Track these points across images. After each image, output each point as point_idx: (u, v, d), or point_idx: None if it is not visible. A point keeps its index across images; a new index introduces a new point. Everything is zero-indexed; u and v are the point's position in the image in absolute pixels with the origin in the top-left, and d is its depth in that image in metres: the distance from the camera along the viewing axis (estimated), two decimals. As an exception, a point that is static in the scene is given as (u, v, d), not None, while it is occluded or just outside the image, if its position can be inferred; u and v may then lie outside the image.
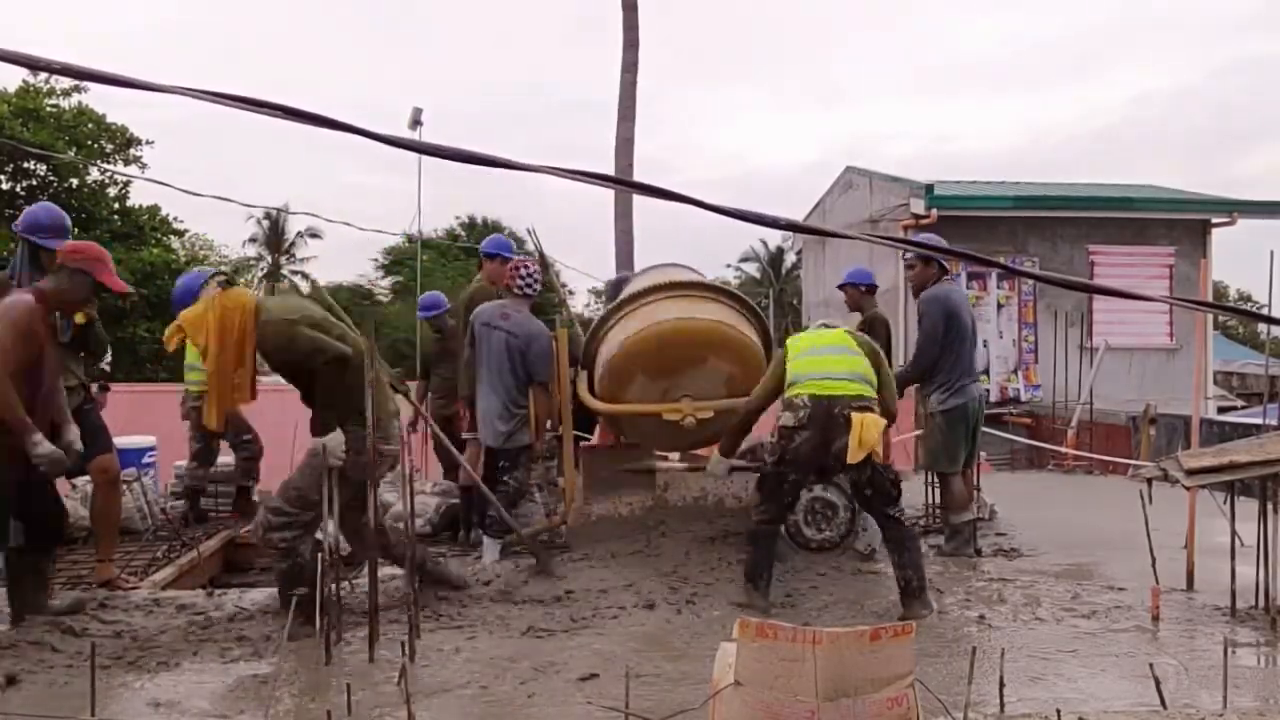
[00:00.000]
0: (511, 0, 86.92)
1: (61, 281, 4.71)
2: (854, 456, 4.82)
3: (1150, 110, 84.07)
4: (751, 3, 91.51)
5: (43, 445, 4.49)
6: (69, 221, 5.60)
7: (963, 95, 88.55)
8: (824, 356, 5.20)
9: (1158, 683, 3.50)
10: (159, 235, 23.40)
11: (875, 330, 7.10)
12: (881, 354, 5.38)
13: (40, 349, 4.57)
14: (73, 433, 4.80)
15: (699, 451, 6.68)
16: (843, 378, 5.04)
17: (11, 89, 21.95)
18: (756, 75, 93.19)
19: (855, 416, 4.86)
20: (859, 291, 7.99)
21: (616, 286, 7.81)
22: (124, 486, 6.72)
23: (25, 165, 22.29)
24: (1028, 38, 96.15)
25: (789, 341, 5.47)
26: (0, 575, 5.07)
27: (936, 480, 7.61)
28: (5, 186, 23.10)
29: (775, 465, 5.12)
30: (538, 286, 6.46)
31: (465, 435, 6.76)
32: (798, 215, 19.04)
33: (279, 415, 9.93)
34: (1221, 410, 16.34)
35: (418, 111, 23.70)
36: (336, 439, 4.50)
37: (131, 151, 23.75)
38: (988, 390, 15.14)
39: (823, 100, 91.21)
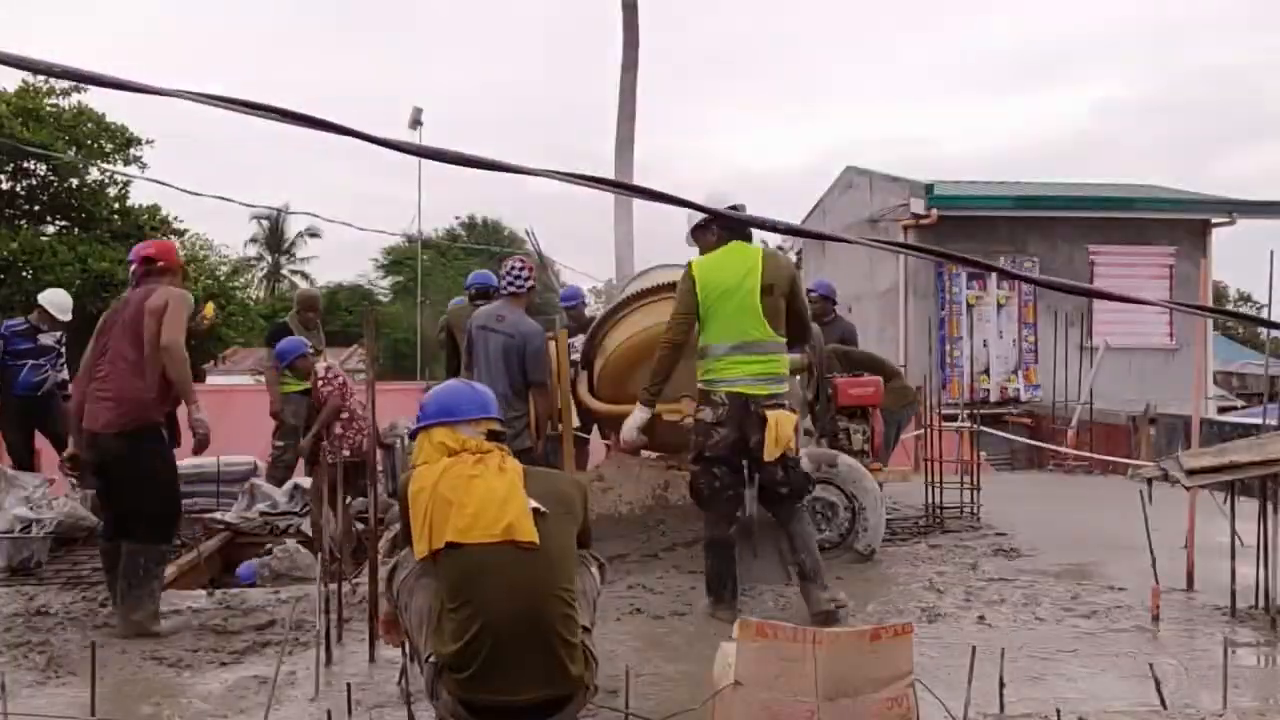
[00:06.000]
0: (512, 3, 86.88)
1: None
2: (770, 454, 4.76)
3: (1118, 116, 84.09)
4: (741, 10, 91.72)
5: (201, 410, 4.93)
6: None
7: (939, 100, 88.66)
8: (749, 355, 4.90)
9: (1158, 683, 3.51)
10: (159, 235, 23.38)
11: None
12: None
13: None
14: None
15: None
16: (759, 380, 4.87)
17: (11, 89, 21.95)
18: (746, 80, 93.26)
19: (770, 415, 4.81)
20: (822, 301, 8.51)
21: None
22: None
23: (25, 165, 22.26)
24: (996, 44, 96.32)
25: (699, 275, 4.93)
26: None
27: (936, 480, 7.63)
28: (5, 186, 23.09)
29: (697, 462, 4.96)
30: (528, 284, 6.39)
31: None
32: (796, 215, 19.04)
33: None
34: (1221, 410, 16.32)
35: (418, 112, 23.74)
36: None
37: (131, 151, 23.73)
38: (986, 390, 15.16)
39: (808, 105, 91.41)
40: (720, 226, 4.91)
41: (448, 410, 3.44)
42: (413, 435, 3.51)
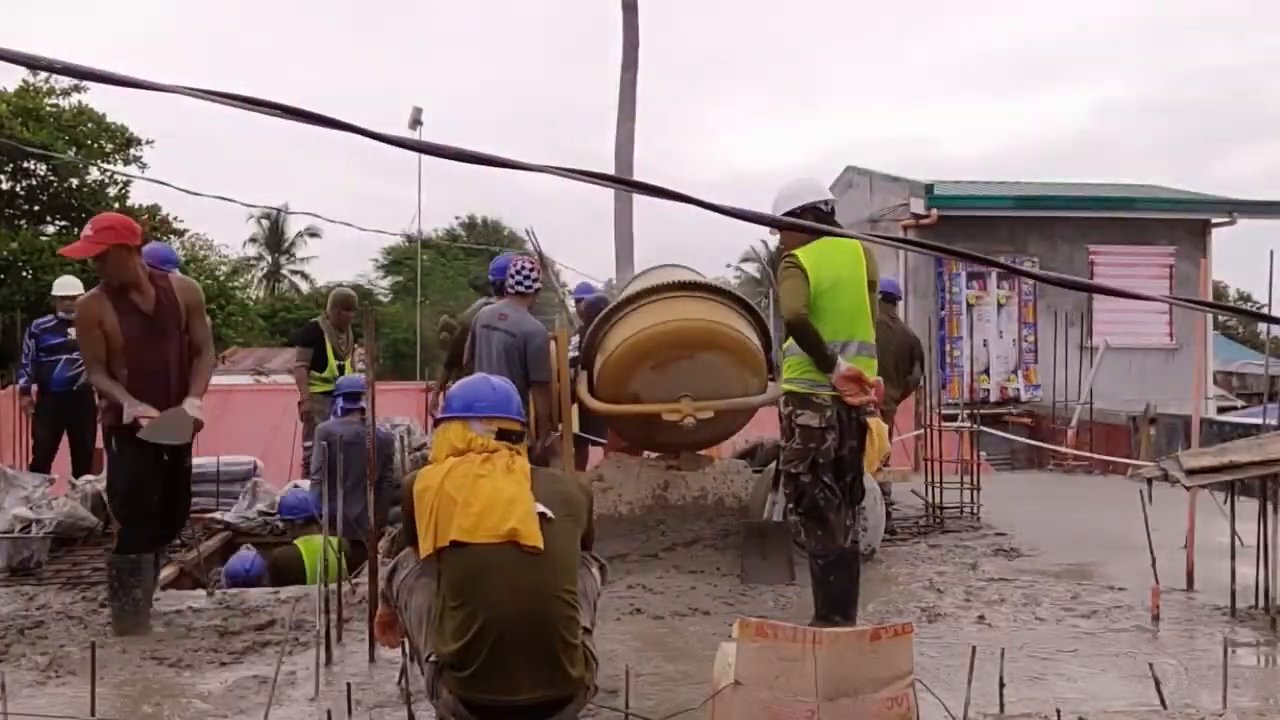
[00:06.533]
0: (511, 4, 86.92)
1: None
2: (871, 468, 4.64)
3: (1118, 116, 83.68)
4: (741, 10, 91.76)
5: (132, 404, 4.62)
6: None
7: (939, 100, 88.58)
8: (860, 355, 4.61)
9: (1158, 683, 3.51)
10: (159, 235, 23.38)
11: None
12: None
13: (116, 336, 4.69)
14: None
15: (702, 452, 6.68)
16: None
17: (11, 88, 21.96)
18: (746, 80, 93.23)
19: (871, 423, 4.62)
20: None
21: (594, 307, 7.55)
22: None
23: (25, 165, 22.27)
24: (996, 44, 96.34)
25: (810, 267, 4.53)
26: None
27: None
28: (5, 186, 23.09)
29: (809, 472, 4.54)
30: (533, 284, 6.40)
31: None
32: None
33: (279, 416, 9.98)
34: (1221, 410, 16.32)
35: (418, 111, 23.76)
36: None
37: (131, 151, 23.74)
38: (986, 390, 15.14)
39: (808, 105, 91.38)
40: (817, 219, 4.62)
41: (466, 405, 3.43)
42: (436, 424, 3.55)
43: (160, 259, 5.70)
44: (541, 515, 3.19)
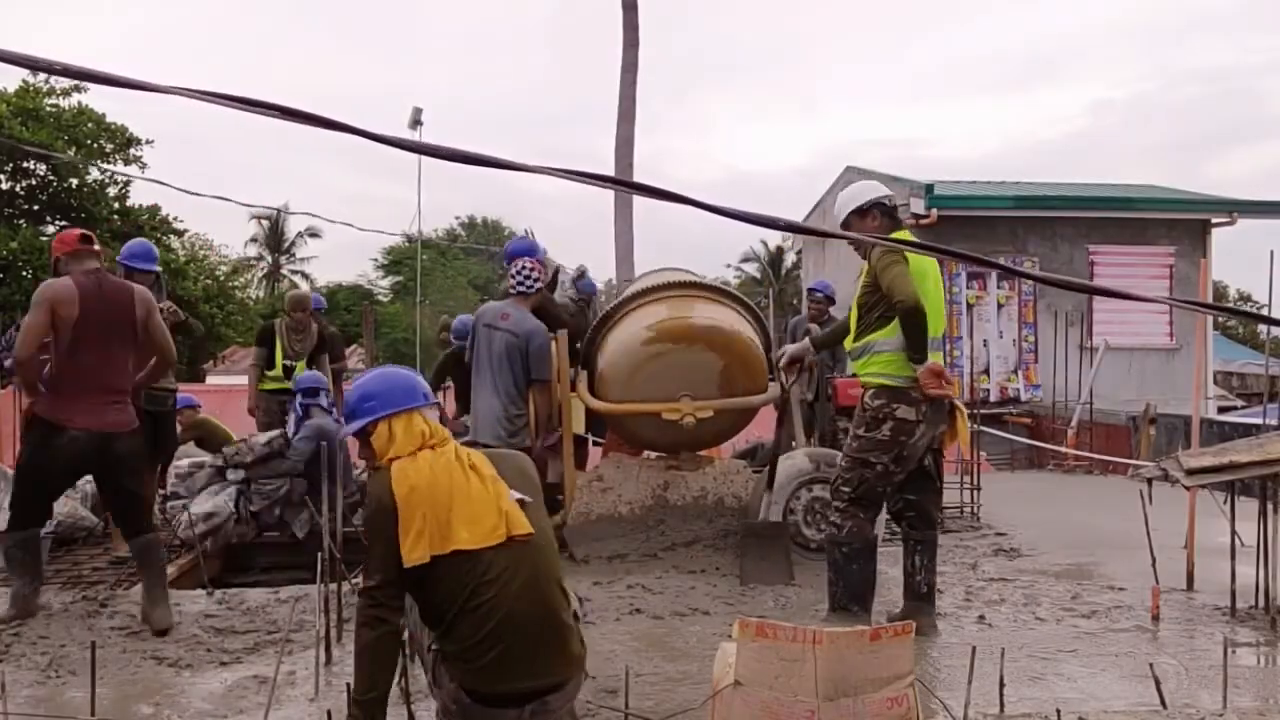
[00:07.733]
0: (512, 4, 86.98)
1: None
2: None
3: (1116, 116, 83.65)
4: (741, 10, 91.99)
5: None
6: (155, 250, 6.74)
7: (939, 100, 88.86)
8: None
9: (1158, 683, 3.51)
10: (159, 235, 23.39)
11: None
12: None
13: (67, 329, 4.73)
14: None
15: (702, 453, 6.68)
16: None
17: (11, 89, 21.96)
18: (746, 80, 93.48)
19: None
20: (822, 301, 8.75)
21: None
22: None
23: (25, 165, 22.28)
24: (995, 44, 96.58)
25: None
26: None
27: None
28: (5, 186, 23.10)
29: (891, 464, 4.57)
30: (537, 285, 6.40)
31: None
32: (796, 215, 19.05)
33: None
34: (1221, 410, 16.31)
35: (418, 111, 23.81)
36: None
37: (131, 151, 23.74)
38: (986, 390, 15.15)
39: (808, 105, 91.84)
40: (883, 214, 4.69)
41: (410, 395, 3.25)
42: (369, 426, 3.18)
43: (131, 255, 6.23)
44: (520, 501, 3.19)
